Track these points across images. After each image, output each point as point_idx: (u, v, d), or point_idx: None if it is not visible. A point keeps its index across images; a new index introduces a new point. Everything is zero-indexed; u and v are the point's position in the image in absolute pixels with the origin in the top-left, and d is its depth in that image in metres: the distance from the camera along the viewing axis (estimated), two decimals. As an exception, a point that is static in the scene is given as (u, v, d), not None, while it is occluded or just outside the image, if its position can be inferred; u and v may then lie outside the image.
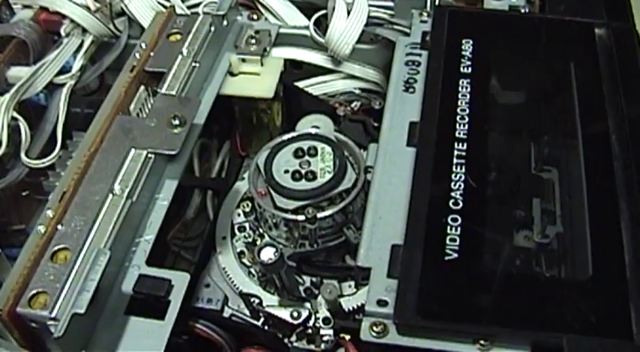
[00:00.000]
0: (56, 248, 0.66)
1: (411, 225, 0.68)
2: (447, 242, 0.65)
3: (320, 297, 0.75)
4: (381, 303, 0.63)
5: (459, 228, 0.66)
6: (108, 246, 0.67)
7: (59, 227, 0.68)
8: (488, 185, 0.72)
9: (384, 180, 0.73)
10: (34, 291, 0.63)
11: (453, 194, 0.69)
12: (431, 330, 0.61)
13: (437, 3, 0.95)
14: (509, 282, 0.65)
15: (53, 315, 0.61)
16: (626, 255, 0.65)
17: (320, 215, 0.76)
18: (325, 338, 0.74)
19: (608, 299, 0.62)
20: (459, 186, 0.70)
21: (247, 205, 0.83)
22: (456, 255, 0.65)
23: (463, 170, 0.71)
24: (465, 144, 0.73)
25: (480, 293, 0.64)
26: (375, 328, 0.62)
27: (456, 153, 0.73)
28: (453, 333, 0.61)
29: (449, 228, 0.66)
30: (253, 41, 0.92)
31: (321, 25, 0.98)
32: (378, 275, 0.66)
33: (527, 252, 0.70)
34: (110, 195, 0.70)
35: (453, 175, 0.71)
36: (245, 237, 0.82)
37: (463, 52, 0.83)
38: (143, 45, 0.86)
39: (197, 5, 1.01)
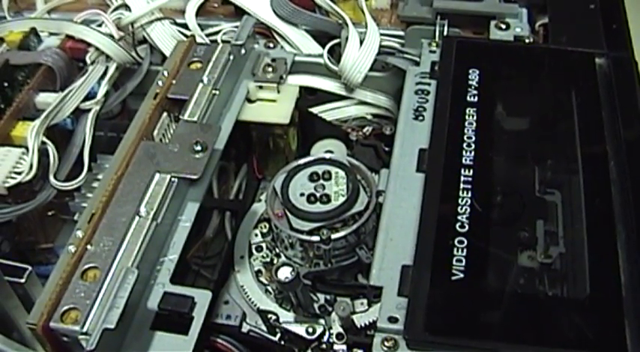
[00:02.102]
0: (86, 266, 0.69)
1: (420, 246, 0.70)
2: (454, 262, 0.68)
3: (334, 314, 0.77)
4: (392, 320, 0.66)
5: (464, 250, 0.69)
6: (135, 265, 0.69)
7: (89, 247, 0.70)
8: (493, 208, 0.75)
9: (395, 204, 0.75)
10: (65, 307, 0.66)
11: (459, 217, 0.71)
12: (438, 345, 0.63)
13: (445, 33, 0.98)
14: (511, 300, 0.67)
15: (84, 330, 0.64)
16: (622, 274, 0.67)
17: (334, 236, 0.78)
18: (339, 353, 0.76)
19: (605, 316, 0.64)
20: (465, 209, 0.72)
21: (265, 226, 0.85)
22: (462, 275, 0.67)
23: (469, 194, 0.73)
24: (471, 170, 0.75)
25: (484, 310, 0.66)
26: (386, 343, 0.65)
27: (462, 178, 0.75)
28: (459, 348, 0.63)
29: (455, 249, 0.69)
30: (270, 69, 0.95)
31: (335, 53, 1.00)
32: (389, 293, 0.68)
33: (529, 272, 0.72)
34: (136, 217, 0.73)
35: (459, 199, 0.73)
36: (262, 256, 0.85)
37: (470, 82, 0.85)
38: (165, 73, 0.89)
39: (216, 34, 1.04)
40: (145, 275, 0.71)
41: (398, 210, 0.75)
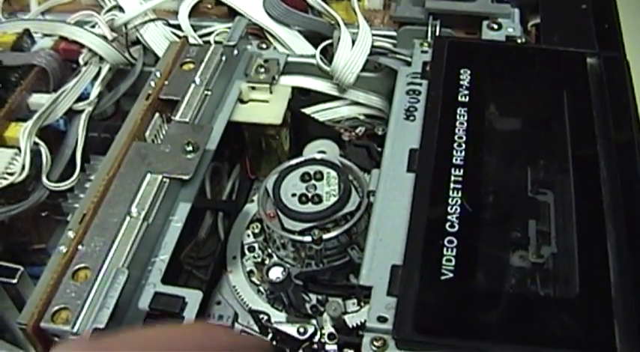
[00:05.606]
0: (77, 267, 0.69)
1: (410, 246, 0.69)
2: (444, 262, 0.67)
3: (325, 314, 0.77)
4: (381, 320, 0.65)
5: (454, 249, 0.68)
6: (125, 265, 0.69)
7: (80, 247, 0.71)
8: (484, 208, 0.74)
9: (385, 204, 0.75)
10: (56, 307, 0.66)
11: (449, 217, 0.71)
12: (427, 345, 0.63)
13: (437, 33, 0.98)
14: (501, 300, 0.67)
15: (74, 330, 0.64)
16: (611, 274, 0.67)
17: (325, 236, 0.78)
18: (330, 353, 0.76)
19: (595, 316, 0.64)
20: (456, 209, 0.72)
21: (257, 227, 0.86)
22: (451, 275, 0.66)
23: (459, 194, 0.73)
24: (462, 170, 0.75)
25: (473, 310, 0.66)
26: (375, 343, 0.64)
27: (452, 178, 0.74)
28: (448, 348, 0.63)
29: (445, 249, 0.68)
30: (262, 70, 0.94)
31: (328, 53, 1.00)
32: (378, 293, 0.68)
33: (520, 271, 0.72)
34: (127, 218, 0.73)
35: (449, 199, 0.72)
36: (254, 256, 0.85)
37: (461, 82, 0.84)
38: (158, 73, 0.89)
39: (209, 35, 1.04)
40: (136, 275, 0.71)
41: (388, 210, 0.74)
